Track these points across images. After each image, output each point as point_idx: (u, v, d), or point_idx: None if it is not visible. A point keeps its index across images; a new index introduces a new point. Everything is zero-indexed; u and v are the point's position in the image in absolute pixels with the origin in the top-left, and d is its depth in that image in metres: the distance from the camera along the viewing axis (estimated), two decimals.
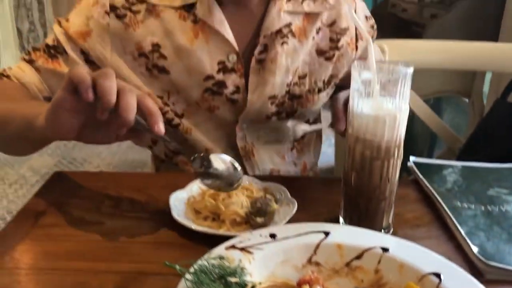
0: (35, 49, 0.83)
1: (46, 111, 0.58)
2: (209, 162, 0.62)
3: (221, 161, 0.63)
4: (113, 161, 2.81)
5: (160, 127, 0.56)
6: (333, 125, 0.73)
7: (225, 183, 0.63)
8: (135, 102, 0.55)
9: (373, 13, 0.94)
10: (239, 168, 0.64)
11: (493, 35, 1.71)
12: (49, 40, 0.82)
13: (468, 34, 1.67)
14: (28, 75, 0.81)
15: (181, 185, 0.69)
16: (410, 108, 0.60)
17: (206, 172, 0.62)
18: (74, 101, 0.55)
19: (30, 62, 0.82)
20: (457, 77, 1.78)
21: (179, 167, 0.91)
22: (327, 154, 1.46)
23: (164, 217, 0.64)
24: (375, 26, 0.93)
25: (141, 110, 0.56)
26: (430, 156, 2.10)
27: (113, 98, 0.53)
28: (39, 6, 4.11)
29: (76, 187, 0.74)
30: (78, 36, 0.79)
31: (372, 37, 0.92)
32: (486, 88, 1.75)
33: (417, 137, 2.26)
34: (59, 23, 0.81)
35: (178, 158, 0.90)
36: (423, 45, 1.33)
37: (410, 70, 0.57)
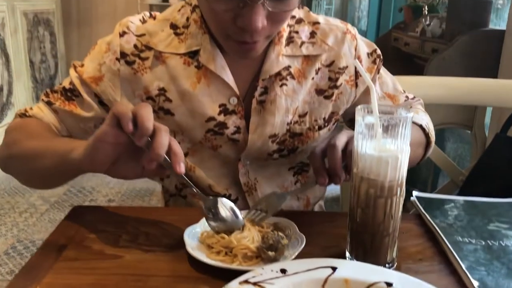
0: (53, 91, 0.89)
1: (86, 145, 0.65)
2: (216, 209, 0.70)
3: (225, 208, 0.70)
4: (121, 190, 2.85)
5: (182, 167, 0.64)
6: (317, 182, 0.74)
7: (226, 229, 0.69)
8: (167, 141, 0.63)
9: (376, 45, 0.97)
10: (240, 216, 0.71)
11: (493, 70, 1.76)
12: (66, 83, 0.88)
13: (469, 69, 1.73)
14: (47, 115, 0.87)
15: (194, 220, 0.73)
16: None
17: (213, 217, 0.70)
18: (116, 134, 0.63)
19: (49, 104, 0.88)
20: (459, 110, 1.83)
21: (188, 199, 0.95)
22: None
23: (180, 250, 0.67)
24: (378, 59, 0.94)
25: (168, 149, 0.63)
26: (434, 186, 2.13)
27: (150, 126, 0.62)
28: (51, 37, 4.24)
29: (95, 221, 0.78)
30: (91, 80, 0.85)
31: (377, 67, 0.94)
32: (488, 119, 1.79)
33: (422, 168, 2.29)
34: (75, 68, 0.87)
35: (187, 190, 0.94)
36: (426, 81, 1.38)
37: (410, 114, 0.61)
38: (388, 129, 0.61)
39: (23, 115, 0.89)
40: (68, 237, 0.72)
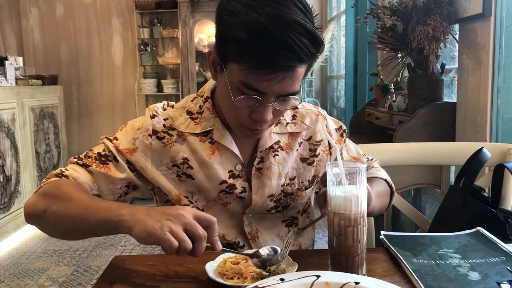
0: (86, 156, 1.07)
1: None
2: (257, 251, 0.91)
3: (267, 250, 0.91)
4: None
5: (219, 246, 0.86)
6: (321, 212, 0.97)
7: (261, 264, 0.89)
8: (203, 248, 0.83)
9: (353, 120, 1.23)
10: (279, 257, 0.90)
11: (449, 136, 2.06)
12: (100, 150, 1.08)
13: (429, 135, 2.02)
14: (82, 175, 1.03)
15: (211, 259, 0.94)
16: None
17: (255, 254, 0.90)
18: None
19: (84, 166, 1.04)
20: (427, 171, 2.09)
21: None
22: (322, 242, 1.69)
23: (202, 280, 0.89)
24: (345, 133, 1.23)
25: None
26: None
27: (190, 249, 0.82)
28: (55, 129, 4.54)
29: (133, 269, 0.99)
30: (126, 151, 1.07)
31: (344, 139, 1.22)
32: (452, 178, 2.05)
33: (404, 225, 2.51)
34: (110, 140, 1.08)
35: None
36: (395, 147, 1.65)
37: (364, 165, 0.87)
38: (349, 176, 0.86)
39: (60, 174, 1.02)
40: (117, 275, 0.93)
